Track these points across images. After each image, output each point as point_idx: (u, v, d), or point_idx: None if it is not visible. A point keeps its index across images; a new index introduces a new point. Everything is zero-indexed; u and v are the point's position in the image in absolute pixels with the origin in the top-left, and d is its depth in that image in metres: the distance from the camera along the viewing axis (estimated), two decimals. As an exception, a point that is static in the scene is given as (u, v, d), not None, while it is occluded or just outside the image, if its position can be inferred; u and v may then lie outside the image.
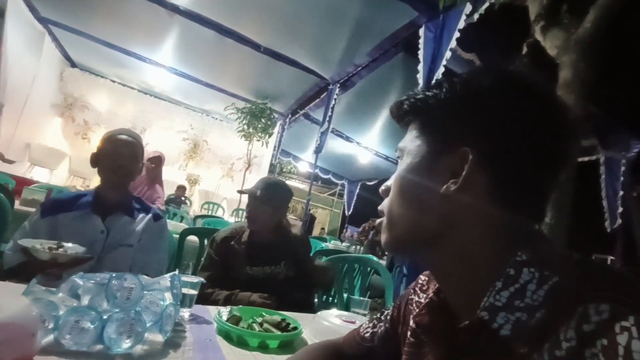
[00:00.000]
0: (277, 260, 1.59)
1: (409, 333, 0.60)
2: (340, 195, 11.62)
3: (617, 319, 0.33)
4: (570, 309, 0.36)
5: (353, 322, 1.07)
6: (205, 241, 2.34)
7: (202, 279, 1.06)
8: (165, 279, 0.88)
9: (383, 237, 0.53)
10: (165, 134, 7.69)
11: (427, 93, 0.51)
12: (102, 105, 7.30)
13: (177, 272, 0.94)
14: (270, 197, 1.60)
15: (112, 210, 1.40)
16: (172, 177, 6.82)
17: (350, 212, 10.28)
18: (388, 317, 0.70)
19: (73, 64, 6.96)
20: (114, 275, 0.74)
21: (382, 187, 0.56)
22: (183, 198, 5.69)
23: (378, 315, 0.73)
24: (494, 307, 0.42)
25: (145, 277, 0.88)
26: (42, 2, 4.88)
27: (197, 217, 4.24)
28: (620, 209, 4.36)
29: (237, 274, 1.54)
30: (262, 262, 1.57)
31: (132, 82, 7.31)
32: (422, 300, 0.61)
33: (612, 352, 0.32)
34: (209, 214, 5.90)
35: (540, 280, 0.41)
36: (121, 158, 1.38)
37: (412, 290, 0.66)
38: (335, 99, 4.97)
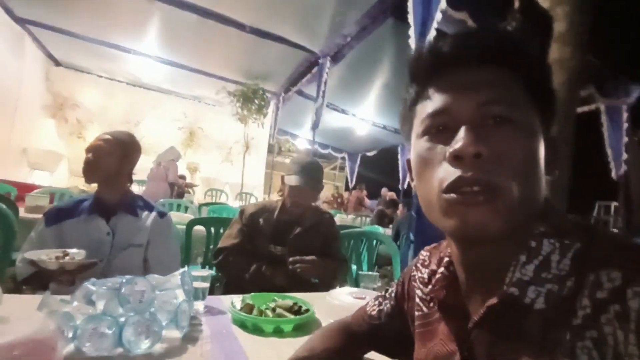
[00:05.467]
0: (303, 242, 1.61)
1: (416, 308, 0.61)
2: (342, 169, 11.60)
3: (628, 284, 0.34)
4: (583, 276, 0.38)
5: (363, 298, 1.09)
6: (212, 229, 2.37)
7: (212, 272, 1.08)
8: (176, 277, 0.89)
9: (505, 214, 0.41)
10: (159, 125, 7.64)
11: (519, 38, 0.47)
12: (93, 102, 7.21)
13: (186, 268, 0.95)
14: (316, 180, 1.62)
15: (115, 211, 1.40)
16: (172, 167, 6.82)
17: (353, 184, 10.32)
18: (393, 295, 0.71)
19: (57, 63, 6.82)
20: (124, 280, 0.76)
21: (481, 148, 0.41)
22: (185, 187, 5.69)
23: (383, 293, 0.75)
24: (522, 281, 0.42)
25: (156, 276, 0.90)
26: (17, 1, 4.73)
27: (201, 205, 4.27)
28: (625, 156, 4.34)
29: (260, 249, 1.58)
30: (285, 241, 1.60)
31: (119, 76, 7.19)
32: (425, 276, 0.61)
33: (625, 317, 0.33)
34: (213, 200, 5.94)
35: (562, 250, 0.41)
36: (87, 154, 1.37)
37: (414, 267, 0.67)
38: (327, 73, 4.87)
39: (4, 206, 1.40)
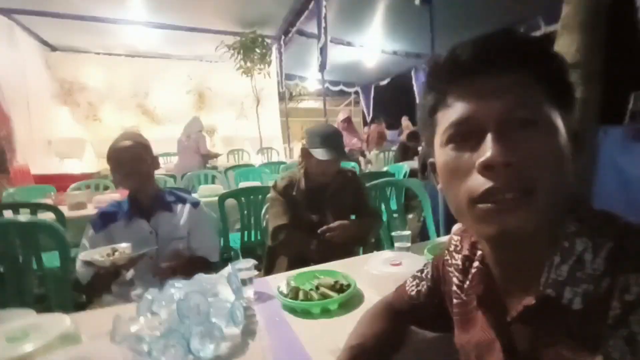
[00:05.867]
0: (337, 205, 1.67)
1: (454, 296, 0.64)
2: (357, 103, 11.29)
3: None
4: (616, 277, 0.39)
5: (399, 264, 1.14)
6: (243, 199, 2.46)
7: (254, 261, 1.14)
8: (223, 279, 0.96)
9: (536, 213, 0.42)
10: (167, 92, 7.55)
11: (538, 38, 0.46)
12: (98, 81, 7.15)
13: (230, 267, 1.01)
14: (342, 148, 1.66)
15: (152, 211, 1.49)
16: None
17: (371, 117, 10.10)
18: (429, 276, 0.75)
19: (53, 48, 6.68)
20: (180, 298, 0.83)
21: (510, 157, 0.41)
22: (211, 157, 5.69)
23: (419, 273, 0.78)
24: (557, 282, 0.43)
25: (204, 278, 0.98)
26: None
27: (227, 169, 4.36)
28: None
29: (299, 221, 1.64)
30: (320, 207, 1.66)
31: (117, 49, 6.99)
32: (459, 263, 0.64)
33: None
34: (236, 162, 6.03)
35: (595, 249, 0.42)
36: (122, 168, 1.41)
37: (446, 252, 0.69)
38: (325, 7, 4.55)
39: (52, 222, 1.48)
